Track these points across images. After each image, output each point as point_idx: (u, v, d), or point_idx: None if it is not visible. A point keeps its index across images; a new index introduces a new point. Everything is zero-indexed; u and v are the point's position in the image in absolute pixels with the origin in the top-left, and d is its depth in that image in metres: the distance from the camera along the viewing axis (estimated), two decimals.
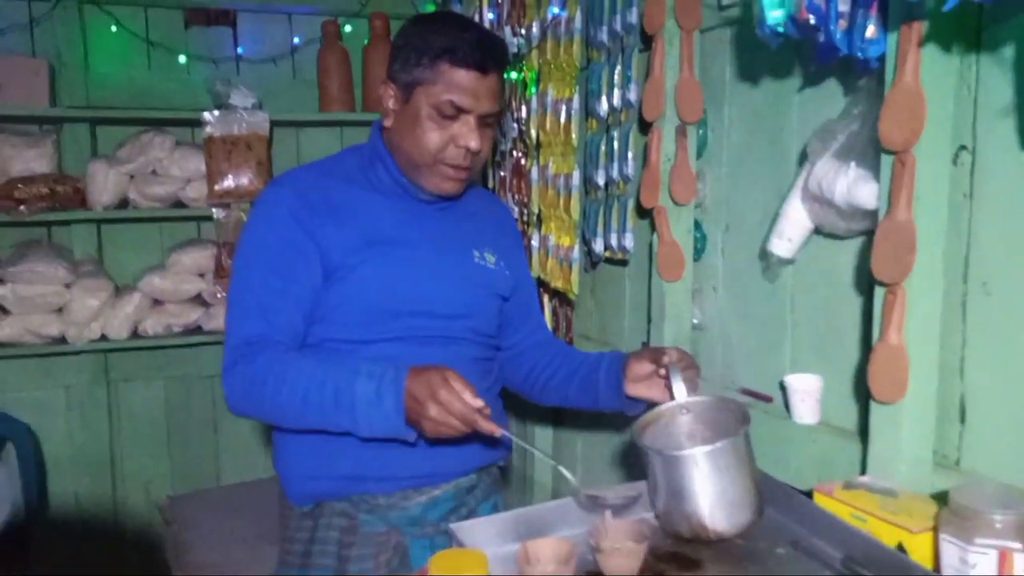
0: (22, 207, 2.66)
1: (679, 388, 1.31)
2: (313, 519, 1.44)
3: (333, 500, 1.43)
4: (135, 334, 2.89)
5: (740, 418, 1.22)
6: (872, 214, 1.27)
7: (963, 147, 1.22)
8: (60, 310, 2.79)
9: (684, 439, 1.31)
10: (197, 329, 2.97)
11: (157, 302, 2.92)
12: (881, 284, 1.22)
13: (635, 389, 1.44)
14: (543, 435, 2.59)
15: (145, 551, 3.06)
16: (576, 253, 2.17)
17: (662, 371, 1.38)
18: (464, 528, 1.20)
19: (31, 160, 2.76)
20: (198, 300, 2.97)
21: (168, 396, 3.16)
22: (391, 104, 1.42)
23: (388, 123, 1.43)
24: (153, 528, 3.01)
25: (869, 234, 1.29)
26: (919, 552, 1.05)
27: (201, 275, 2.93)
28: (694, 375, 1.39)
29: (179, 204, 2.92)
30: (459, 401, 1.18)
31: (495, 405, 1.55)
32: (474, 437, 1.44)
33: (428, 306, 1.42)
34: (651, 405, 1.38)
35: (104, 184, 2.76)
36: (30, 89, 2.72)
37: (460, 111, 1.36)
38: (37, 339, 2.77)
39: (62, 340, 2.80)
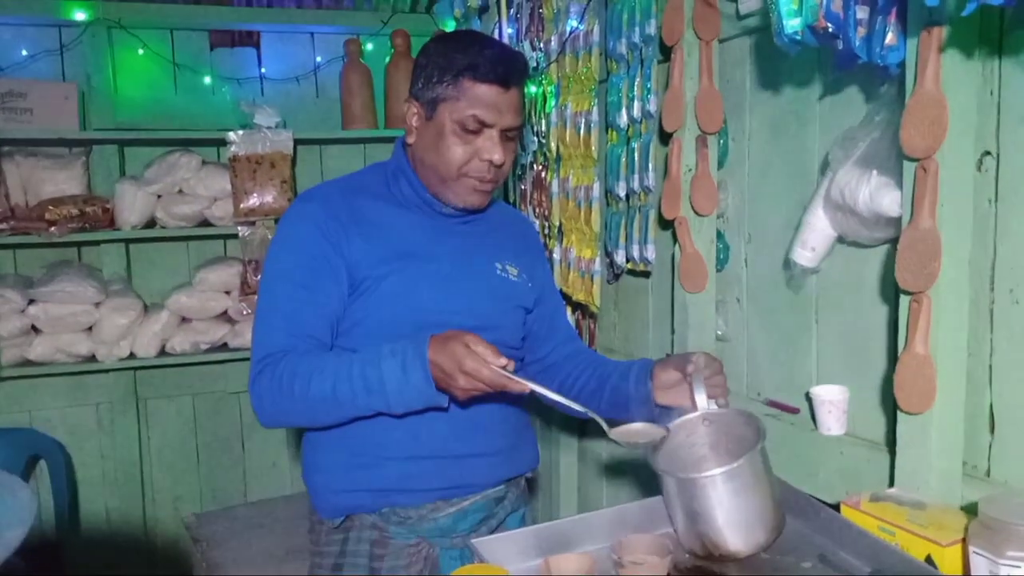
0: (53, 228, 2.71)
1: (701, 398, 1.30)
2: (343, 532, 1.45)
3: (363, 513, 1.44)
4: (163, 352, 2.93)
5: (756, 435, 1.19)
6: (896, 222, 1.26)
7: (987, 152, 1.21)
8: (90, 329, 2.83)
9: (708, 450, 1.30)
10: (224, 346, 3.00)
11: (184, 320, 2.97)
12: (906, 293, 1.20)
13: (664, 397, 1.43)
14: (568, 444, 2.59)
15: (175, 567, 3.09)
16: (598, 265, 2.16)
17: (689, 378, 1.37)
18: (486, 543, 1.19)
19: (62, 182, 2.83)
20: (224, 317, 3.01)
21: (196, 413, 3.20)
22: (415, 122, 1.43)
23: (411, 140, 1.45)
24: (182, 544, 3.03)
25: (893, 242, 1.27)
26: (949, 565, 1.03)
27: (227, 292, 2.97)
28: (721, 381, 1.37)
29: (205, 223, 2.96)
30: (486, 367, 1.19)
31: (521, 417, 1.56)
32: (502, 450, 1.46)
33: (452, 318, 1.42)
34: (684, 412, 1.37)
35: (132, 204, 2.81)
36: (60, 112, 2.78)
37: (483, 125, 1.37)
38: (68, 358, 2.82)
39: (92, 358, 2.85)
